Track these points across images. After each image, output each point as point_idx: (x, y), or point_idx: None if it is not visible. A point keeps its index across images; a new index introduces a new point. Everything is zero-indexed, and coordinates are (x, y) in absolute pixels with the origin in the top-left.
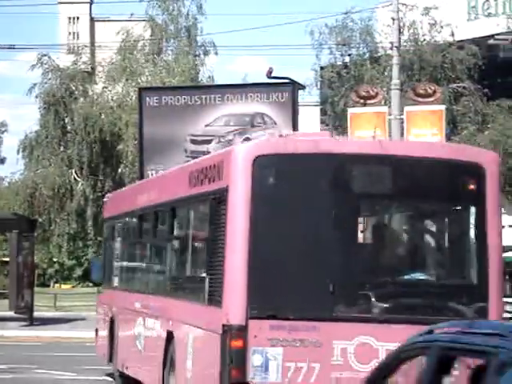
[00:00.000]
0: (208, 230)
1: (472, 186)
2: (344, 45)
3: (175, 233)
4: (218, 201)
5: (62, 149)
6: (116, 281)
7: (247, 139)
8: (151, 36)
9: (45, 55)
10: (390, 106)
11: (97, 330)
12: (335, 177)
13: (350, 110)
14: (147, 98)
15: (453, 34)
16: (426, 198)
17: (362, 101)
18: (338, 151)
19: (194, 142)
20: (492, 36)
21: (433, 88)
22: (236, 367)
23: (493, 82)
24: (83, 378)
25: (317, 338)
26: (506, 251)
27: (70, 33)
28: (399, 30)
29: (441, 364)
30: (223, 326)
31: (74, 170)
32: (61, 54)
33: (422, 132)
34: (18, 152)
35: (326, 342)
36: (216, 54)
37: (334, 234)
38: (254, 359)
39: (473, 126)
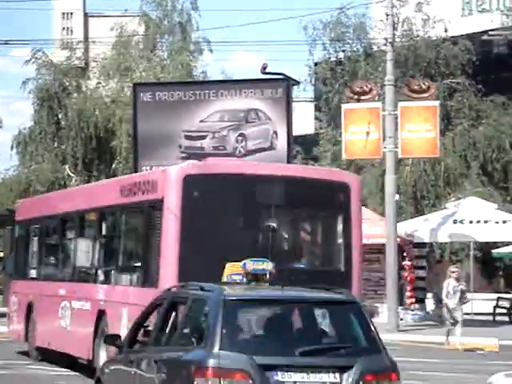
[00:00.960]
0: (145, 230)
1: (341, 199)
2: (338, 40)
3: (109, 232)
4: (155, 208)
5: (55, 144)
6: (34, 273)
7: (242, 135)
8: (145, 32)
9: (39, 51)
10: (383, 102)
11: (9, 315)
12: (242, 191)
13: (344, 106)
14: (141, 94)
15: (446, 30)
16: (309, 207)
17: (355, 96)
18: (244, 172)
19: (188, 137)
20: (486, 32)
21: (427, 84)
22: None
23: (486, 77)
24: (77, 374)
25: None
26: (498, 247)
27: (63, 28)
28: (393, 25)
29: (170, 306)
30: None
31: (67, 166)
32: (55, 50)
33: (416, 128)
34: (11, 148)
35: None
36: (210, 51)
37: (243, 233)
38: None
39: (467, 121)
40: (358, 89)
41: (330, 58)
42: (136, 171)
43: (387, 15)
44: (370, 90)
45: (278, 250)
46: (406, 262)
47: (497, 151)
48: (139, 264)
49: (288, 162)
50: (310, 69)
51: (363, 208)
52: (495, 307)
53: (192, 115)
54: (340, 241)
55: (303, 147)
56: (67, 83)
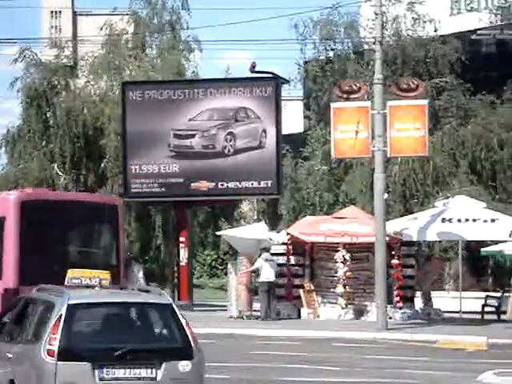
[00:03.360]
0: None
1: (112, 215)
2: (328, 39)
3: None
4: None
5: (44, 143)
6: None
7: (231, 134)
8: (135, 30)
9: (27, 49)
10: (372, 101)
11: None
12: (51, 211)
13: (333, 105)
14: (130, 93)
15: (436, 30)
16: (91, 222)
17: (344, 95)
18: (50, 198)
19: (177, 136)
20: (474, 31)
21: (416, 83)
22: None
23: (475, 76)
24: None
25: None
26: (486, 246)
27: (52, 26)
28: (382, 24)
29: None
30: (5, 289)
31: (56, 165)
32: (43, 48)
33: (405, 126)
34: (0, 147)
35: None
36: (200, 51)
37: (54, 242)
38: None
39: (455, 120)
40: (346, 88)
41: (319, 56)
42: (125, 170)
43: (376, 14)
44: (359, 88)
45: (74, 253)
46: (395, 261)
47: (485, 150)
48: None
49: (277, 160)
50: (299, 67)
51: (352, 207)
52: (483, 306)
53: (181, 114)
54: (112, 245)
55: (292, 146)
56: (56, 82)
